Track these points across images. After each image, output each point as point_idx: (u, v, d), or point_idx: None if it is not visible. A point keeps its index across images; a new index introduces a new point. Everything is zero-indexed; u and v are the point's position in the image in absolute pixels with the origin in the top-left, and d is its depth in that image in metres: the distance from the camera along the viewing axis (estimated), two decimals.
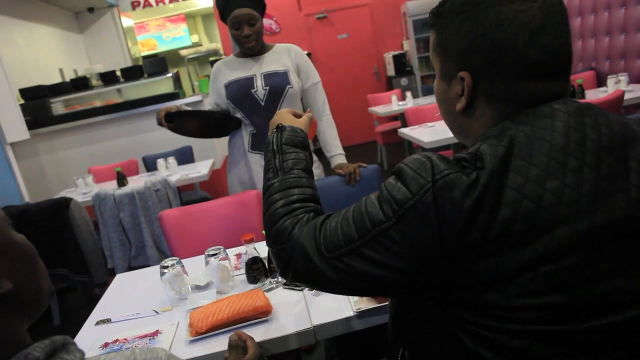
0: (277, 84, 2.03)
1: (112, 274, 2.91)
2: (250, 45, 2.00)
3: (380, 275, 0.67)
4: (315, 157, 2.22)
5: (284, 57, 2.10)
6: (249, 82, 2.04)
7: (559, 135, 0.64)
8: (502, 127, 0.67)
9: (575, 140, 0.64)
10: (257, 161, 2.12)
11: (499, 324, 0.61)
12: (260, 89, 2.03)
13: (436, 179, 0.63)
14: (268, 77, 2.04)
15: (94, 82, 5.01)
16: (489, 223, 0.60)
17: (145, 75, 4.57)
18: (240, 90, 2.04)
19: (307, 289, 1.32)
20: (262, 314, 1.20)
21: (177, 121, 1.97)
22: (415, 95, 5.57)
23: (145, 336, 1.23)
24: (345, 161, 2.14)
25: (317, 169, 2.22)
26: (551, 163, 0.62)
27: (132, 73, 4.51)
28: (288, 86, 2.04)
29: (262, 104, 2.04)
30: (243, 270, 1.46)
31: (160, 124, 1.95)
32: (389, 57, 6.70)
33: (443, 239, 0.62)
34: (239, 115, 2.08)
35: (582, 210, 0.60)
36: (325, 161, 2.21)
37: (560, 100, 0.68)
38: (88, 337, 1.30)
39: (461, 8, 0.69)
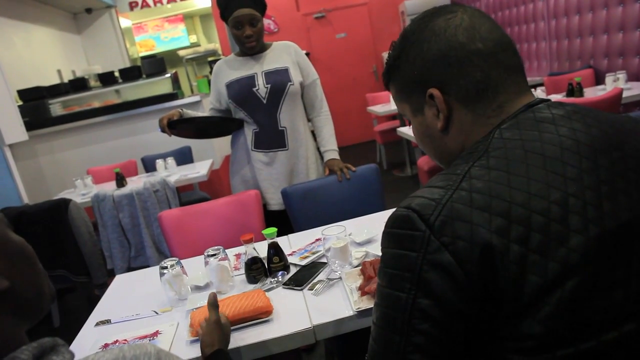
0: (279, 81, 2.04)
1: (111, 274, 2.91)
2: (252, 45, 2.02)
3: (442, 353, 0.61)
4: (317, 156, 2.24)
5: (284, 54, 2.11)
6: (250, 81, 2.05)
7: (551, 147, 0.63)
8: (490, 145, 0.65)
9: (568, 148, 0.63)
10: (260, 159, 2.12)
11: (532, 356, 0.58)
12: (261, 87, 2.04)
13: (431, 224, 0.60)
14: (269, 75, 2.05)
15: (92, 83, 5.01)
16: (505, 245, 0.57)
17: (144, 76, 4.57)
18: (241, 90, 2.05)
19: (306, 288, 1.32)
20: (263, 314, 1.20)
21: (179, 128, 2.03)
22: None
23: (145, 337, 1.23)
24: (337, 158, 2.16)
25: (320, 165, 2.23)
26: (549, 175, 0.61)
27: (131, 74, 4.51)
28: (289, 83, 2.05)
29: (264, 102, 2.05)
30: (242, 271, 1.46)
31: (163, 131, 2.00)
32: (387, 56, 6.70)
33: (469, 278, 0.58)
34: (241, 114, 2.09)
35: (590, 217, 0.59)
36: None
37: (541, 107, 0.68)
38: (88, 338, 1.29)
39: (401, 46, 0.75)
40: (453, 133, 0.73)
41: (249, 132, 2.12)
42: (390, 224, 0.65)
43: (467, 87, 0.69)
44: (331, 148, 2.17)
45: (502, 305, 0.58)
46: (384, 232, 0.66)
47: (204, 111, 2.28)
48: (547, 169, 0.61)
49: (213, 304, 1.09)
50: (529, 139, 0.64)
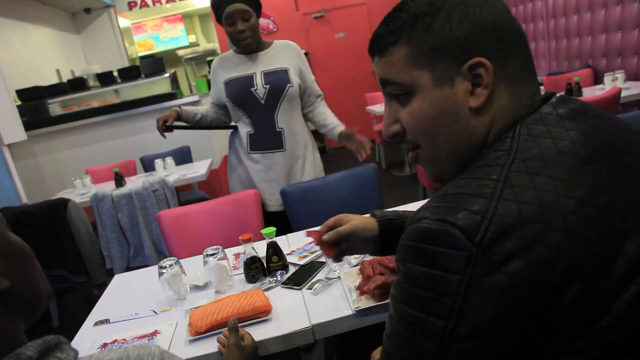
0: (278, 82, 2.03)
1: (110, 274, 2.91)
2: (246, 42, 2.00)
3: None
4: (316, 155, 2.23)
5: (284, 54, 2.09)
6: (248, 80, 2.04)
7: (581, 146, 0.57)
8: (519, 144, 0.59)
9: (596, 147, 0.58)
10: (257, 161, 2.12)
11: None
12: (260, 87, 2.03)
13: (477, 242, 0.52)
14: (268, 75, 2.04)
15: (91, 82, 5.00)
16: (569, 259, 0.51)
17: (143, 76, 4.56)
18: (240, 89, 2.04)
19: (305, 287, 1.32)
20: (261, 314, 1.20)
21: (174, 130, 2.11)
22: None
23: (144, 336, 1.23)
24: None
25: (318, 166, 2.22)
26: (589, 178, 0.55)
27: (130, 73, 4.51)
28: (288, 85, 2.04)
29: (262, 102, 2.04)
30: (241, 270, 1.46)
31: (158, 129, 2.06)
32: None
33: (525, 300, 0.51)
34: (239, 113, 2.09)
35: (633, 220, 0.54)
36: (325, 159, 2.21)
37: (553, 101, 0.64)
38: (87, 338, 1.29)
39: (439, 3, 0.63)
40: (486, 113, 0.64)
41: (243, 134, 2.11)
42: (419, 237, 0.56)
43: (513, 67, 0.63)
44: (340, 123, 2.14)
45: (562, 325, 0.52)
46: (408, 245, 0.57)
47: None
48: (585, 171, 0.56)
49: (233, 327, 1.08)
50: (558, 137, 0.58)
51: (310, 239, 1.64)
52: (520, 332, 0.52)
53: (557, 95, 0.65)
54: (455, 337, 0.53)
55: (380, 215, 1.04)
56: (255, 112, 2.06)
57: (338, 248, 1.04)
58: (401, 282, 0.58)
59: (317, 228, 1.10)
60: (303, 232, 1.78)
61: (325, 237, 1.02)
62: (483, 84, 0.62)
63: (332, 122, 2.14)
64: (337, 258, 1.06)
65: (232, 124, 2.22)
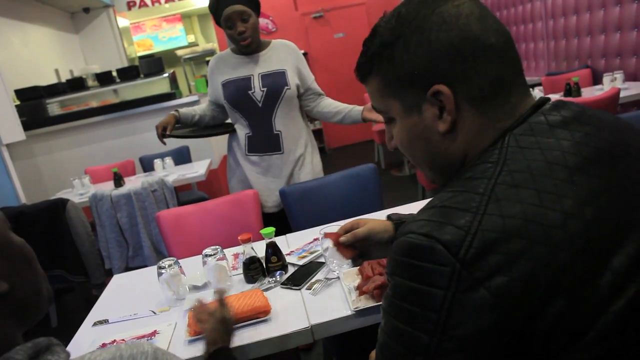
0: (275, 85, 2.02)
1: (109, 274, 2.90)
2: (247, 43, 1.98)
3: None
4: (315, 156, 2.22)
5: (282, 55, 2.08)
6: (246, 82, 2.03)
7: (572, 156, 0.56)
8: (507, 156, 0.58)
9: (588, 156, 0.57)
10: (255, 163, 2.12)
11: None
12: (257, 90, 2.02)
13: (461, 257, 0.52)
14: (266, 77, 2.03)
15: (90, 82, 4.99)
16: (552, 276, 0.51)
17: (142, 76, 4.56)
18: (237, 92, 2.04)
19: (304, 287, 1.32)
20: (261, 314, 1.20)
21: (174, 138, 2.15)
22: None
23: (143, 337, 1.23)
24: None
25: (317, 167, 2.22)
26: (578, 190, 0.54)
27: (129, 73, 4.50)
28: (286, 87, 2.03)
29: (260, 105, 2.04)
30: (240, 270, 1.46)
31: (158, 137, 2.09)
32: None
33: (507, 317, 0.51)
34: (236, 115, 2.09)
35: (624, 232, 0.53)
36: (325, 159, 2.21)
37: (548, 108, 0.62)
38: (85, 338, 1.29)
39: (398, 32, 0.63)
40: (457, 137, 0.64)
41: (242, 136, 2.11)
42: (406, 252, 0.56)
43: (480, 86, 0.61)
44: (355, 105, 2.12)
45: (548, 341, 0.51)
46: (395, 259, 0.58)
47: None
48: (575, 182, 0.55)
49: (222, 301, 1.08)
50: (548, 147, 0.57)
51: (310, 240, 1.64)
52: (505, 347, 0.52)
53: (552, 101, 0.64)
54: (441, 351, 0.53)
55: (397, 218, 1.07)
56: (253, 114, 2.06)
57: (356, 251, 1.07)
58: (390, 296, 0.59)
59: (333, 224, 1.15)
60: (302, 233, 1.78)
61: (343, 239, 1.06)
62: (447, 110, 0.62)
63: (346, 106, 2.12)
64: (355, 261, 1.08)
65: (229, 121, 2.21)
